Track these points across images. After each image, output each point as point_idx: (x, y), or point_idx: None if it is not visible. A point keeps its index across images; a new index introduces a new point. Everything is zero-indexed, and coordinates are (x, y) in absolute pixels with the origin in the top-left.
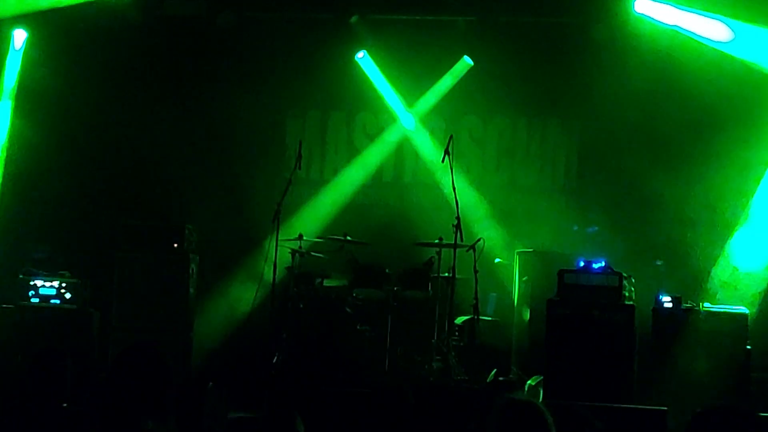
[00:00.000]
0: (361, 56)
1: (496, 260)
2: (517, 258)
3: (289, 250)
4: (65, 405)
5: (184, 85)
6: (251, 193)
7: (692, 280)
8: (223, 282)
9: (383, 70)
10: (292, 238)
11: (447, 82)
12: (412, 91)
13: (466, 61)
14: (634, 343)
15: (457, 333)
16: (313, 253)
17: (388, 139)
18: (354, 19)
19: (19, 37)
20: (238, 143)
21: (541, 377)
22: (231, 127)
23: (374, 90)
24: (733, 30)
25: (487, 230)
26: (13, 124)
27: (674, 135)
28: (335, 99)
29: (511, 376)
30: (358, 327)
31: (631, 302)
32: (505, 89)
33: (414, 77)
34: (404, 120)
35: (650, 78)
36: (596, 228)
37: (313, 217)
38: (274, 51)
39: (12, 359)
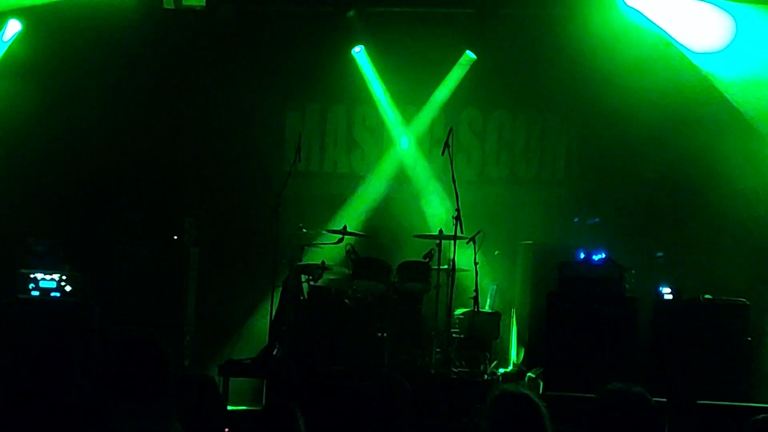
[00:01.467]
0: (358, 51)
1: (496, 252)
2: (517, 250)
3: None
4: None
5: (183, 79)
6: (250, 186)
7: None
8: (222, 275)
9: (381, 67)
10: (294, 230)
11: (450, 81)
12: (411, 88)
13: (469, 56)
14: (635, 335)
15: (457, 325)
16: (320, 243)
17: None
18: (351, 13)
19: (13, 27)
20: (237, 136)
21: (541, 369)
22: (230, 119)
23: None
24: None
25: (487, 222)
26: (11, 115)
27: (677, 123)
28: (335, 92)
29: (511, 368)
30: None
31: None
32: (506, 82)
33: (413, 73)
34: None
35: (651, 67)
36: (597, 220)
37: (318, 209)
38: (273, 44)
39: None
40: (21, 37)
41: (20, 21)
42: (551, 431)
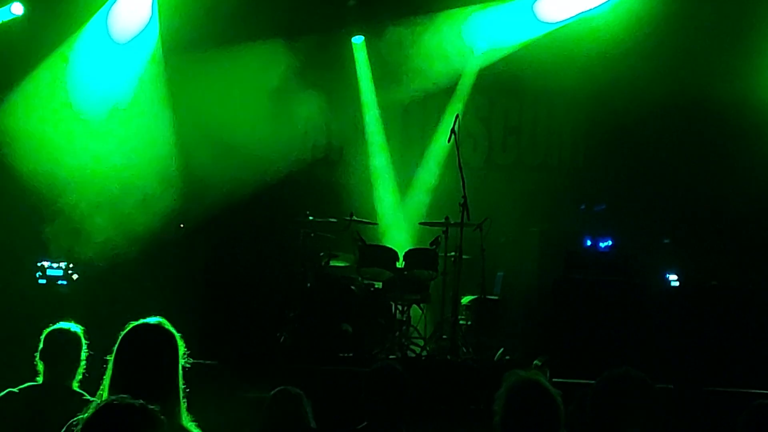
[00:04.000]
0: (359, 40)
1: (502, 239)
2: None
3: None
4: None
5: (185, 66)
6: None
7: None
8: (230, 261)
9: (382, 57)
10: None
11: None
12: (415, 79)
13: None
14: (642, 321)
15: (463, 312)
16: (319, 233)
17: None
18: (351, 2)
19: (15, 9)
20: (243, 123)
21: (547, 356)
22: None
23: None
24: None
25: (493, 209)
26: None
27: (685, 110)
28: (339, 79)
29: (517, 354)
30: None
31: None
32: (511, 68)
33: (415, 64)
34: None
35: (655, 53)
36: (604, 206)
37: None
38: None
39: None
40: (22, 22)
41: (23, 6)
42: (564, 419)
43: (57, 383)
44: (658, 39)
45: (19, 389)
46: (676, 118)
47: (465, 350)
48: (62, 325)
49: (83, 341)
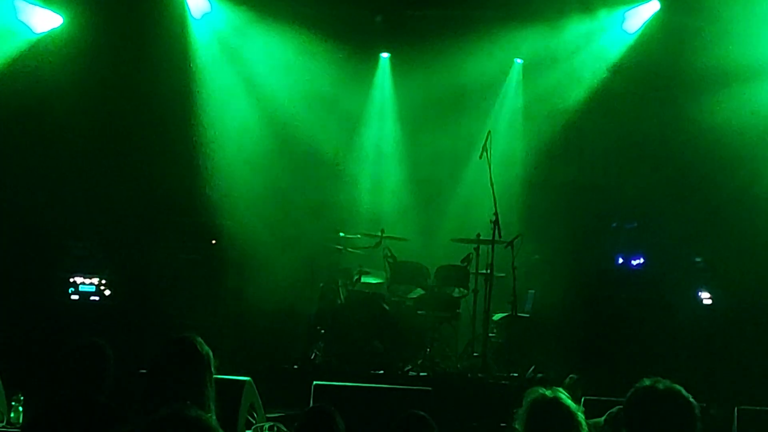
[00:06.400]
0: (386, 56)
1: (536, 257)
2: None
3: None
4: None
5: (209, 79)
6: (287, 189)
7: None
8: (262, 277)
9: (411, 74)
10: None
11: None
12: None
13: (517, 63)
14: (675, 339)
15: (495, 330)
16: (350, 249)
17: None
18: (379, 18)
19: (53, 20)
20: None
21: (578, 375)
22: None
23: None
24: None
25: (525, 226)
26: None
27: (717, 127)
28: (369, 93)
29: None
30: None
31: None
32: (543, 86)
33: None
34: None
35: (686, 70)
36: (635, 224)
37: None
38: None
39: None
40: (61, 32)
41: (62, 15)
42: None
43: (84, 397)
44: (687, 56)
45: (47, 404)
46: (709, 136)
47: (496, 368)
48: (87, 339)
49: (109, 355)
